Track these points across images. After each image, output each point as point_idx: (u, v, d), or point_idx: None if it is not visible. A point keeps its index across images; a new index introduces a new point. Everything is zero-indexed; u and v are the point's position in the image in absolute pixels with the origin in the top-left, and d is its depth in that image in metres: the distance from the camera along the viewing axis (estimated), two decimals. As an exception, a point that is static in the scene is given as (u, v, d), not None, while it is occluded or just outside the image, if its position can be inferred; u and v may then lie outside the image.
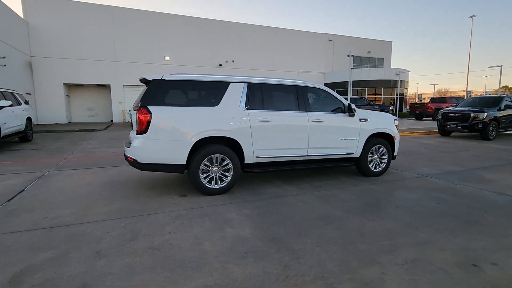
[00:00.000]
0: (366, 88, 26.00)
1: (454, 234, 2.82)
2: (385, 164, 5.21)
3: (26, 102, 9.89)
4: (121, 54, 20.52)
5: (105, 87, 20.98)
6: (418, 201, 3.81)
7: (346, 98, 16.68)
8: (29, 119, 9.49)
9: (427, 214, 3.34)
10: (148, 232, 2.82)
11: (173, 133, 3.75)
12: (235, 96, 4.10)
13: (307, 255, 2.40)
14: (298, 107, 4.50)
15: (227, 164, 4.03)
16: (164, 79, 3.83)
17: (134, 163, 3.76)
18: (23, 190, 4.18)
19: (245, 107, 4.12)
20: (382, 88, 25.88)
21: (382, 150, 5.16)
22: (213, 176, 4.00)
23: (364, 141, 4.94)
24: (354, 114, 4.80)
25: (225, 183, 4.05)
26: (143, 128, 3.64)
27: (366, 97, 25.47)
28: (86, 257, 2.33)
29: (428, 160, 6.76)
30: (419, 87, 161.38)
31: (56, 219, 3.12)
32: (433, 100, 22.13)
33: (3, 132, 7.51)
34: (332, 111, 4.79)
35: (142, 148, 3.69)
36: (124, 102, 20.73)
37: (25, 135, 9.21)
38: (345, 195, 4.06)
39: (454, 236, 2.77)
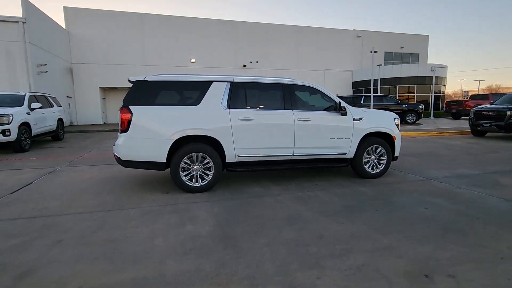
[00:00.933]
0: (398, 86, 24.56)
1: (424, 241, 2.59)
2: (383, 166, 4.91)
3: (59, 105, 10.87)
4: (150, 58, 21.66)
5: (136, 90, 22.26)
6: (405, 205, 3.54)
7: (369, 97, 15.95)
8: (60, 120, 10.43)
9: (406, 219, 3.10)
10: (113, 225, 2.97)
11: (153, 132, 3.90)
12: (216, 95, 4.15)
13: (250, 255, 2.37)
14: (284, 105, 4.42)
15: (208, 162, 4.09)
16: (147, 80, 4.00)
17: (118, 160, 3.98)
18: (30, 183, 4.62)
19: (227, 106, 4.15)
20: (416, 85, 24.26)
21: (380, 151, 4.86)
22: (194, 174, 4.08)
23: (358, 141, 4.70)
24: (346, 112, 4.59)
25: (206, 182, 4.11)
26: (124, 127, 3.83)
27: (397, 95, 24.09)
28: (46, 245, 2.52)
29: (444, 162, 6.23)
30: (465, 83, 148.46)
31: (41, 210, 3.41)
32: (473, 97, 20.23)
33: (34, 132, 8.34)
34: (322, 110, 4.64)
35: (124, 146, 3.89)
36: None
37: (56, 135, 10.14)
38: (327, 197, 3.90)
39: (422, 244, 2.54)
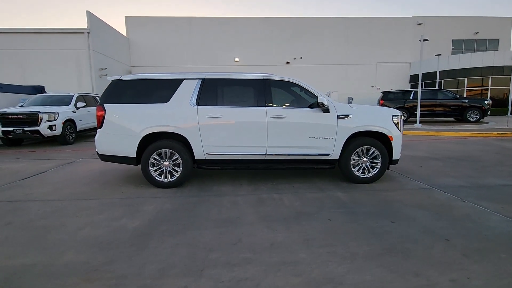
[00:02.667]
0: (466, 79, 21.19)
1: (346, 261, 2.20)
2: (377, 170, 4.31)
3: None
4: (197, 59, 22.87)
5: (185, 89, 23.79)
6: (368, 217, 3.06)
7: (427, 90, 14.09)
8: (106, 117, 11.76)
9: (351, 233, 2.67)
10: (65, 213, 3.23)
11: (124, 128, 4.11)
12: (186, 92, 4.17)
13: (148, 254, 2.33)
14: (257, 102, 4.21)
15: (177, 159, 4.15)
16: (122, 79, 4.24)
17: (97, 154, 4.31)
18: (44, 172, 5.33)
19: (195, 103, 4.14)
20: (490, 77, 20.59)
21: (373, 153, 4.28)
22: (163, 170, 4.19)
23: (344, 140, 4.21)
24: (327, 109, 4.15)
25: (175, 178, 4.18)
26: (100, 124, 4.13)
27: (465, 89, 20.83)
28: (-4, 226, 2.89)
29: (474, 169, 5.19)
30: None
31: (27, 195, 3.91)
32: None
33: (79, 128, 9.60)
34: (302, 107, 4.28)
35: (99, 141, 4.19)
36: (199, 102, 23.03)
37: (101, 130, 11.47)
38: (290, 201, 3.60)
39: (340, 264, 2.16)
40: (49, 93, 11.08)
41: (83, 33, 16.39)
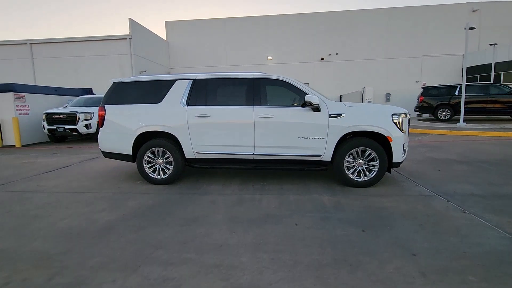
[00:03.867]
0: (532, 70, 18.31)
1: (268, 270, 2.07)
2: (375, 173, 3.98)
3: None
4: (231, 59, 23.34)
5: (219, 89, 24.46)
6: (341, 224, 2.85)
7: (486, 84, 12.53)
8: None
9: (309, 240, 2.51)
10: (58, 205, 3.56)
11: (121, 127, 4.38)
12: (178, 93, 4.29)
13: (99, 246, 2.47)
14: (245, 101, 4.16)
15: (169, 157, 4.31)
16: (121, 81, 4.52)
17: (101, 151, 4.67)
18: (67, 166, 5.94)
19: (186, 103, 4.24)
20: None
21: (370, 154, 3.96)
22: (157, 167, 4.38)
23: (336, 141, 3.97)
24: (318, 108, 3.94)
25: (167, 175, 4.34)
26: (101, 123, 4.46)
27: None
28: (-1, 213, 3.31)
29: (497, 174, 4.53)
30: None
31: (39, 186, 4.40)
32: None
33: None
34: (291, 105, 4.13)
35: (100, 139, 4.53)
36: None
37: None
38: (269, 203, 3.51)
39: (262, 273, 2.05)
40: (91, 95, 12.27)
41: (126, 39, 17.79)
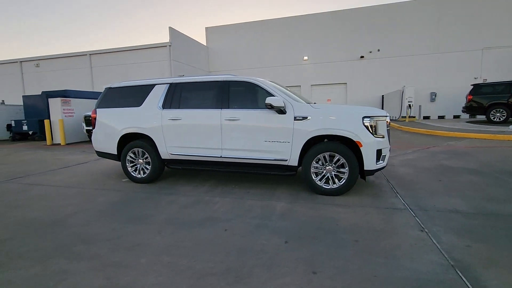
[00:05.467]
0: None
1: (165, 270, 2.07)
2: (344, 181, 3.67)
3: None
4: (267, 61, 23.42)
5: (255, 91, 24.73)
6: (272, 233, 2.71)
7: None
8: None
9: (220, 247, 2.45)
10: (44, 197, 4.03)
11: (108, 128, 4.77)
12: (156, 97, 4.52)
13: (37, 236, 2.74)
14: (214, 104, 4.19)
15: (147, 157, 4.56)
16: (111, 87, 4.92)
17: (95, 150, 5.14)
18: (83, 163, 6.65)
19: (161, 106, 4.44)
20: None
21: (339, 160, 3.67)
22: (138, 167, 4.67)
23: (301, 145, 3.76)
24: (283, 110, 3.78)
25: (146, 174, 4.60)
26: (93, 125, 4.92)
27: None
28: (-5, 201, 3.88)
29: (508, 189, 3.78)
30: None
31: (45, 180, 5.02)
32: None
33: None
34: (259, 108, 4.03)
35: (93, 139, 4.99)
36: (268, 102, 23.51)
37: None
38: (221, 206, 3.49)
39: (156, 271, 2.05)
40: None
41: (166, 46, 19.13)
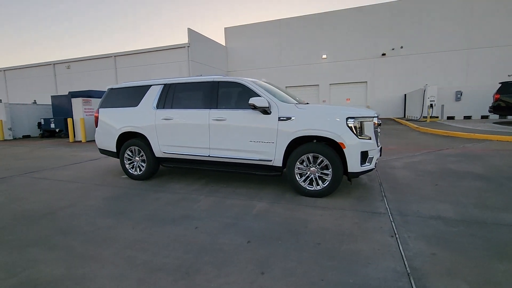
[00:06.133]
0: None
1: (107, 266, 2.17)
2: (328, 182, 3.60)
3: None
4: (285, 60, 23.29)
5: (273, 90, 24.64)
6: (236, 233, 2.75)
7: None
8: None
9: (177, 243, 2.52)
10: (46, 191, 4.34)
11: (108, 128, 5.02)
12: (151, 97, 4.69)
13: (23, 226, 2.97)
14: (204, 104, 4.28)
15: (143, 155, 4.76)
16: (113, 88, 5.17)
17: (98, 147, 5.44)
18: (95, 159, 7.04)
19: (155, 106, 4.60)
20: None
21: (323, 162, 3.61)
22: (134, 164, 4.88)
23: (285, 146, 3.74)
24: (267, 110, 3.78)
25: (142, 172, 4.79)
26: (96, 124, 5.20)
27: None
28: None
29: (499, 193, 3.52)
30: None
31: (53, 175, 5.39)
32: None
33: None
34: (244, 108, 4.05)
35: (96, 137, 5.27)
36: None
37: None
38: (202, 204, 3.57)
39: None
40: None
41: (184, 47, 19.65)
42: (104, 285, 1.95)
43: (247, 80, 4.14)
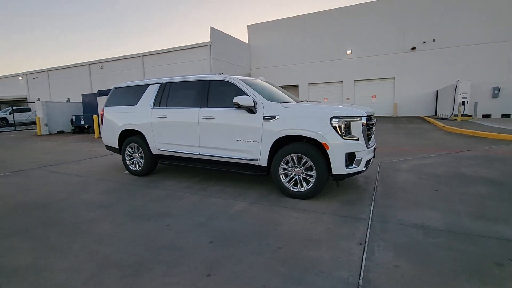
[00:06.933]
0: None
1: (55, 254, 2.26)
2: (312, 184, 3.48)
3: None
4: (309, 56, 22.79)
5: (295, 87, 24.30)
6: (203, 232, 2.75)
7: None
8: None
9: (145, 240, 2.57)
10: (50, 183, 4.66)
11: (111, 125, 5.25)
12: (149, 96, 4.83)
13: (14, 216, 3.22)
14: (195, 103, 4.32)
15: (141, 152, 4.93)
16: (117, 87, 5.40)
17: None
18: (106, 155, 7.43)
19: (152, 105, 4.73)
20: None
21: (307, 163, 3.49)
22: (134, 160, 5.07)
23: (270, 145, 3.67)
24: (252, 109, 3.73)
25: (140, 168, 4.97)
26: (102, 122, 5.47)
27: None
28: (14, 180, 4.62)
29: (504, 201, 3.16)
30: None
31: (65, 169, 5.77)
32: None
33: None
34: (233, 107, 4.01)
35: (102, 134, 5.54)
36: (308, 99, 22.97)
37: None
38: (184, 202, 3.62)
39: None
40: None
41: (206, 45, 19.98)
42: (57, 277, 2.05)
43: (235, 79, 4.10)
